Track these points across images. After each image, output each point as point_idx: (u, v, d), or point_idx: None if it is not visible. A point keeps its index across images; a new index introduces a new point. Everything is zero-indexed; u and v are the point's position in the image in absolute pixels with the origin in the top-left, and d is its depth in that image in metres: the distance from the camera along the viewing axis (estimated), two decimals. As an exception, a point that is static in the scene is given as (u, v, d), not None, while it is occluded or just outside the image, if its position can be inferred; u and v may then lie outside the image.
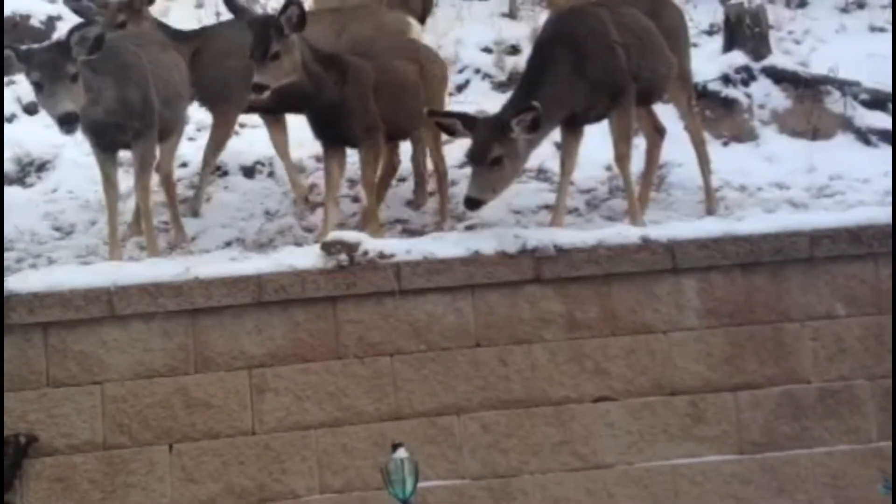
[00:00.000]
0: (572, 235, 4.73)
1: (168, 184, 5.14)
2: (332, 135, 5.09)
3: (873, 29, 7.73)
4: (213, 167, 5.63)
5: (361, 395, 4.44)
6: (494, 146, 4.61)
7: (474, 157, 4.68)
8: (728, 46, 6.57)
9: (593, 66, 4.88)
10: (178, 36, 5.48)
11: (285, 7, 4.72)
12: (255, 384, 4.40)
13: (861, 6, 8.15)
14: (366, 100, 5.02)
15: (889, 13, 7.85)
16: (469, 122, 4.75)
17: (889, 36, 7.34)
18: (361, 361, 4.47)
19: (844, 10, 8.08)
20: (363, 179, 5.17)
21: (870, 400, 4.62)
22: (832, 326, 4.67)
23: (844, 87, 6.28)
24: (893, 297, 4.64)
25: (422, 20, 6.47)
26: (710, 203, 5.37)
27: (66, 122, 4.32)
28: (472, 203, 4.70)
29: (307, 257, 4.51)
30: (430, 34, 7.74)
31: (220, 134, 5.54)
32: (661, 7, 5.45)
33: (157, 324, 4.36)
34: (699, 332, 4.65)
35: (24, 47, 4.60)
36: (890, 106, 6.27)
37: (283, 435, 4.39)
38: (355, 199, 5.71)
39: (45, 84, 4.34)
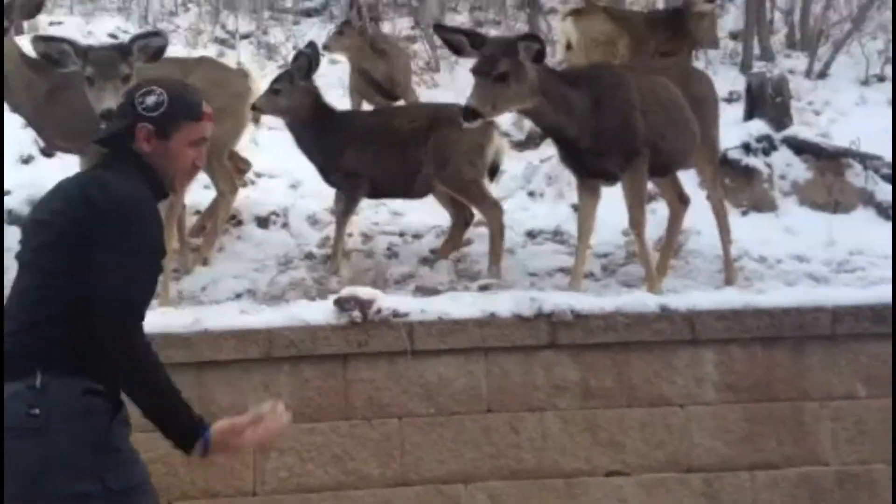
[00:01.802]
0: (590, 301, 4.64)
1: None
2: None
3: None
4: None
5: (368, 459, 4.32)
6: (502, 61, 4.47)
7: (481, 69, 4.51)
8: (749, 115, 6.55)
9: (609, 119, 4.82)
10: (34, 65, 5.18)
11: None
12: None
13: (881, 80, 8.19)
14: None
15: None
16: (477, 40, 4.65)
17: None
18: (370, 423, 4.35)
19: (865, 83, 8.12)
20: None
21: (889, 485, 4.48)
22: (853, 407, 4.55)
23: (866, 160, 6.24)
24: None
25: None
26: (730, 274, 5.29)
27: (106, 118, 4.37)
28: (471, 113, 4.49)
29: (320, 312, 4.42)
30: (450, 91, 7.78)
31: None
32: (691, 76, 5.43)
33: (164, 376, 4.25)
34: (717, 406, 4.54)
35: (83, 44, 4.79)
36: (913, 181, 6.22)
37: (285, 497, 4.26)
38: (368, 255, 5.65)
39: (96, 80, 4.47)
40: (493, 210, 5.33)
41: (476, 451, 4.38)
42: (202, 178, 5.49)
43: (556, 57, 8.83)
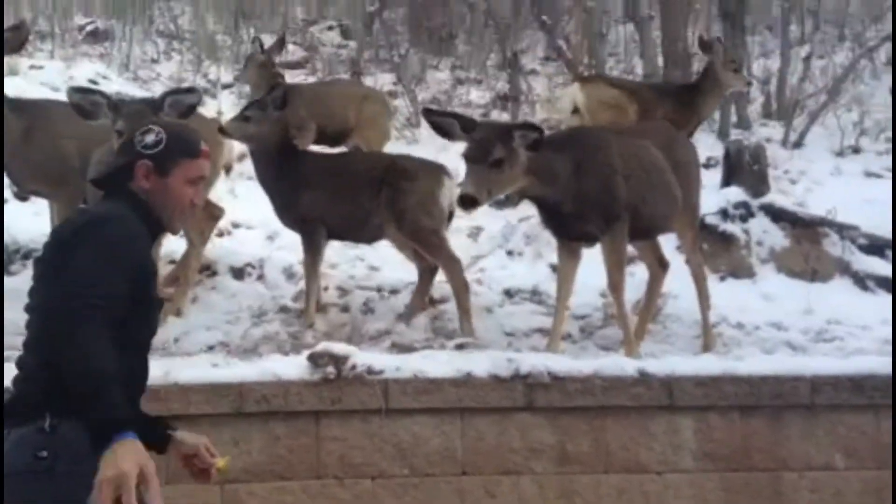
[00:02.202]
0: (567, 363, 4.60)
1: None
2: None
3: (868, 174, 7.86)
4: None
5: (343, 521, 4.21)
6: (497, 147, 4.43)
7: (474, 156, 4.46)
8: (726, 181, 6.59)
9: (591, 183, 4.81)
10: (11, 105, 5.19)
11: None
12: (226, 500, 4.17)
13: (857, 151, 8.33)
14: None
15: (885, 160, 7.99)
16: (468, 124, 4.62)
17: (885, 182, 7.45)
18: (341, 483, 4.25)
19: (840, 154, 8.24)
20: None
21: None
22: (832, 479, 4.52)
23: (843, 230, 6.28)
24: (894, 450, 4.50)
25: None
26: (708, 339, 5.26)
27: None
28: (468, 201, 4.44)
29: (293, 367, 4.34)
30: (430, 147, 7.80)
31: None
32: (674, 141, 5.46)
33: (131, 429, 4.13)
34: (694, 475, 4.49)
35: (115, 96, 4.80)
36: (888, 252, 6.26)
37: (253, 558, 4.14)
38: (344, 309, 5.58)
39: (126, 134, 4.40)
40: (453, 265, 5.28)
41: (450, 515, 4.29)
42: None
43: (536, 116, 8.94)
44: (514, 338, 5.34)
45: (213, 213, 5.73)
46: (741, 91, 7.74)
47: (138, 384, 2.53)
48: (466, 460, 4.36)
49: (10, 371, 4.16)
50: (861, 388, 4.58)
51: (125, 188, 2.58)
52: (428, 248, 5.31)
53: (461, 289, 5.23)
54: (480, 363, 4.52)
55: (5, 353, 4.61)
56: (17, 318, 4.93)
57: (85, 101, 4.58)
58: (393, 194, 5.24)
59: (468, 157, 4.50)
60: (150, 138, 2.58)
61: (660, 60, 9.50)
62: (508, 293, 5.84)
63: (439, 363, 4.53)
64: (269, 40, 10.62)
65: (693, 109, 7.16)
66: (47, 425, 2.32)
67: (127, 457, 2.15)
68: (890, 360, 4.72)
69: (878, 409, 4.57)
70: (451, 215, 5.44)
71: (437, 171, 5.41)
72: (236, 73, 7.48)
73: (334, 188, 5.33)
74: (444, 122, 4.70)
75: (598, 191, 4.83)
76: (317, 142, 6.84)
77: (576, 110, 7.13)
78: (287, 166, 5.32)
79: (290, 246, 5.99)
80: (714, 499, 4.45)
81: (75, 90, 4.68)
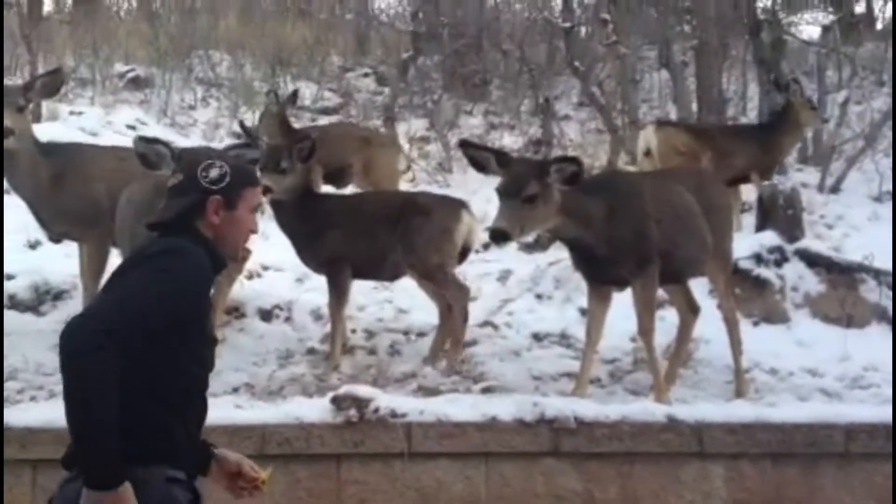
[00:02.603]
0: (594, 408, 4.52)
1: None
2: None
3: (907, 219, 7.71)
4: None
5: (358, 567, 4.15)
6: (532, 183, 4.39)
7: (508, 191, 4.42)
8: (761, 226, 6.51)
9: (624, 228, 4.76)
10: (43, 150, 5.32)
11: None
12: (246, 543, 4.11)
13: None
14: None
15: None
16: (503, 160, 4.57)
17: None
18: (362, 527, 4.20)
19: (878, 199, 8.10)
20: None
21: None
22: (868, 530, 4.37)
23: (880, 276, 6.15)
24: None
25: None
26: (740, 385, 5.15)
27: None
28: (500, 235, 4.40)
29: (315, 410, 4.32)
30: (461, 190, 7.81)
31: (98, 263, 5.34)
32: (707, 184, 5.43)
33: (151, 470, 4.12)
34: (725, 524, 4.36)
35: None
36: (926, 298, 6.12)
37: None
38: (371, 352, 5.56)
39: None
40: (458, 292, 5.30)
41: (476, 563, 4.21)
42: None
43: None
44: (542, 382, 5.27)
45: (242, 254, 5.77)
46: (818, 128, 7.59)
47: (197, 417, 2.50)
48: (490, 506, 4.28)
49: (41, 412, 4.24)
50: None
51: (190, 226, 2.54)
52: (436, 282, 5.34)
53: (459, 315, 5.25)
54: (505, 407, 4.47)
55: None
56: (42, 356, 5.05)
57: (150, 151, 4.56)
58: (406, 230, 5.26)
59: (502, 191, 4.48)
60: (214, 173, 2.56)
61: (694, 107, 9.48)
62: (537, 337, 5.78)
63: (464, 407, 4.48)
64: (305, 87, 10.90)
65: (776, 149, 7.15)
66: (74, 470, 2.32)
67: None
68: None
69: (916, 459, 4.42)
70: (466, 251, 5.46)
71: (454, 207, 5.43)
72: (254, 125, 7.65)
73: (355, 227, 5.36)
74: (480, 156, 4.70)
75: (631, 235, 4.79)
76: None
77: (648, 153, 7.16)
78: (308, 209, 5.36)
79: (318, 288, 5.99)
80: (745, 549, 4.32)
81: (142, 140, 4.64)
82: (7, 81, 5.82)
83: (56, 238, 5.54)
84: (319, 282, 5.87)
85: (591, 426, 4.39)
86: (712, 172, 6.86)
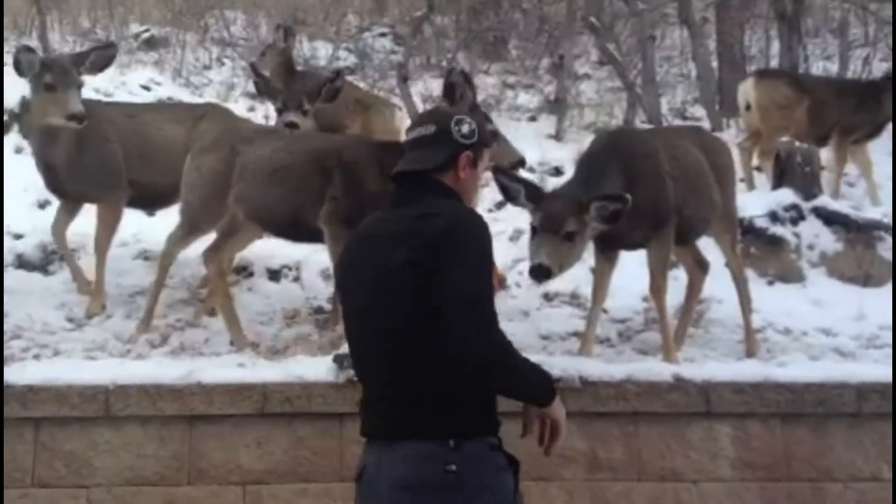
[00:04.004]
0: (600, 368, 4.46)
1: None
2: None
3: (931, 177, 7.53)
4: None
5: (359, 525, 4.13)
6: (570, 220, 4.28)
7: (545, 227, 4.30)
8: (777, 184, 6.38)
9: (642, 191, 4.60)
10: None
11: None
12: (248, 501, 4.11)
13: (918, 153, 7.97)
14: None
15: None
16: (534, 194, 4.41)
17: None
18: (364, 486, 4.17)
19: (900, 157, 7.91)
20: None
21: (918, 576, 4.19)
22: (878, 490, 4.29)
23: (899, 234, 6.01)
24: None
25: None
26: (751, 345, 5.07)
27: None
28: (543, 271, 4.26)
29: (317, 369, 4.28)
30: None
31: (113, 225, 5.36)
32: (712, 144, 5.32)
33: (153, 428, 4.13)
34: (732, 484, 4.30)
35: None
36: (947, 256, 5.99)
37: (274, 559, 4.08)
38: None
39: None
40: None
41: (474, 521, 4.17)
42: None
43: (584, 119, 8.78)
44: (550, 341, 5.22)
45: None
46: None
47: None
48: (494, 465, 4.24)
49: (43, 370, 4.26)
50: (911, 398, 4.35)
51: (434, 181, 2.56)
52: None
53: None
54: (512, 366, 4.39)
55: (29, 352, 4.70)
56: (48, 315, 5.05)
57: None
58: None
59: (539, 226, 4.33)
60: (466, 128, 2.59)
61: (714, 64, 9.29)
62: (547, 296, 5.71)
63: (468, 366, 4.42)
64: (321, 47, 10.79)
65: (874, 109, 7.01)
66: (452, 442, 2.38)
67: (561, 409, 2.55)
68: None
69: (928, 419, 4.34)
70: None
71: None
72: (252, 60, 7.60)
73: None
74: (511, 186, 4.45)
75: (652, 199, 4.67)
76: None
77: (748, 107, 7.06)
78: None
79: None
80: (752, 510, 4.27)
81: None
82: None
83: (73, 201, 5.48)
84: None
85: (597, 386, 4.33)
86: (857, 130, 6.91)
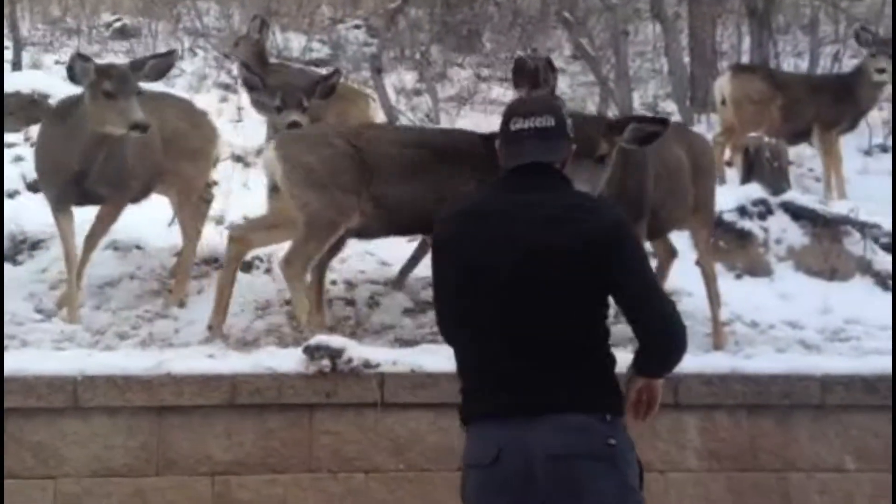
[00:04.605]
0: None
1: None
2: None
3: (896, 173, 7.64)
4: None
5: (330, 514, 4.14)
6: (602, 142, 4.05)
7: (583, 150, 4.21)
8: (746, 178, 6.45)
9: (630, 179, 4.59)
10: None
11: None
12: (217, 492, 4.10)
13: (885, 150, 8.09)
14: None
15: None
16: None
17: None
18: (334, 477, 4.17)
19: (867, 153, 8.03)
20: None
21: (878, 564, 4.27)
22: (841, 481, 4.35)
23: (865, 228, 6.10)
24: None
25: None
26: (718, 338, 5.13)
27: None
28: None
29: (288, 360, 4.28)
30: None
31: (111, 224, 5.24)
32: (696, 143, 5.37)
33: (122, 419, 4.10)
34: (699, 474, 4.34)
35: None
36: (913, 252, 6.09)
37: (243, 551, 4.08)
38: (350, 303, 5.52)
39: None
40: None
41: (444, 511, 4.20)
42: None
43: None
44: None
45: (204, 196, 5.72)
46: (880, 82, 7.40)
47: None
48: (463, 456, 4.26)
49: (11, 360, 4.22)
50: (874, 389, 4.42)
51: (561, 173, 2.67)
52: None
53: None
54: (481, 358, 4.41)
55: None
56: (17, 308, 5.01)
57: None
58: None
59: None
60: (570, 123, 2.71)
61: (686, 59, 9.35)
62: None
63: (439, 357, 4.41)
64: (294, 38, 10.75)
65: (849, 102, 7.06)
66: (609, 417, 2.51)
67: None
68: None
69: (891, 411, 4.41)
70: None
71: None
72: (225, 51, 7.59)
73: None
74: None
75: (636, 189, 4.65)
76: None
77: (724, 101, 7.10)
78: None
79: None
80: (719, 499, 4.31)
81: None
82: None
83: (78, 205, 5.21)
84: (300, 233, 5.83)
85: (566, 377, 4.35)
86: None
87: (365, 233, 5.00)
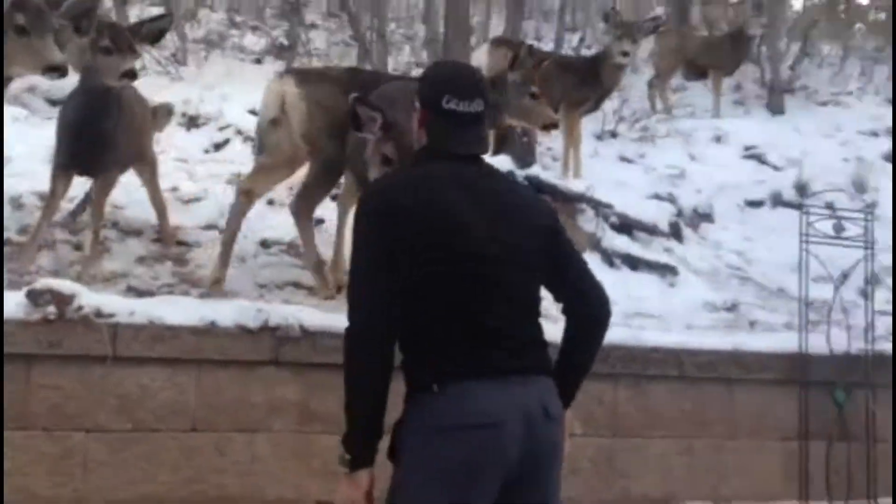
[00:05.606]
0: (322, 318, 4.35)
1: None
2: None
3: (622, 159, 8.19)
4: None
5: (41, 476, 3.74)
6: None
7: None
8: (497, 150, 6.60)
9: None
10: None
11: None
12: (-89, 451, 3.60)
13: (614, 136, 8.66)
14: None
15: (638, 146, 8.39)
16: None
17: (636, 167, 7.86)
18: (50, 435, 3.79)
19: (599, 138, 8.54)
20: None
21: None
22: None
23: (598, 207, 6.45)
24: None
25: None
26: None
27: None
28: None
29: (8, 305, 3.82)
30: (194, 86, 7.33)
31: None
32: None
33: None
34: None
35: None
36: (635, 233, 6.54)
37: (-63, 517, 3.61)
38: (76, 247, 5.06)
39: None
40: None
41: (173, 474, 3.95)
42: None
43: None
44: (266, 290, 5.06)
45: None
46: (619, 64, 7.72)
47: None
48: (199, 416, 4.03)
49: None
50: (605, 359, 4.64)
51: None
52: None
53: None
54: (226, 312, 4.17)
55: None
56: None
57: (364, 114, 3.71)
58: None
59: None
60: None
61: (441, 28, 9.45)
62: (264, 244, 5.53)
63: (180, 310, 4.15)
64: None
65: (594, 84, 7.33)
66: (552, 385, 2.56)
67: None
68: (632, 331, 4.89)
69: (617, 379, 4.69)
70: None
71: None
72: None
73: None
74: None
75: None
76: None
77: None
78: None
79: (23, 172, 5.41)
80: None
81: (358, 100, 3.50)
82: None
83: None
84: (25, 166, 5.29)
85: (315, 335, 4.22)
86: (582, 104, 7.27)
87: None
